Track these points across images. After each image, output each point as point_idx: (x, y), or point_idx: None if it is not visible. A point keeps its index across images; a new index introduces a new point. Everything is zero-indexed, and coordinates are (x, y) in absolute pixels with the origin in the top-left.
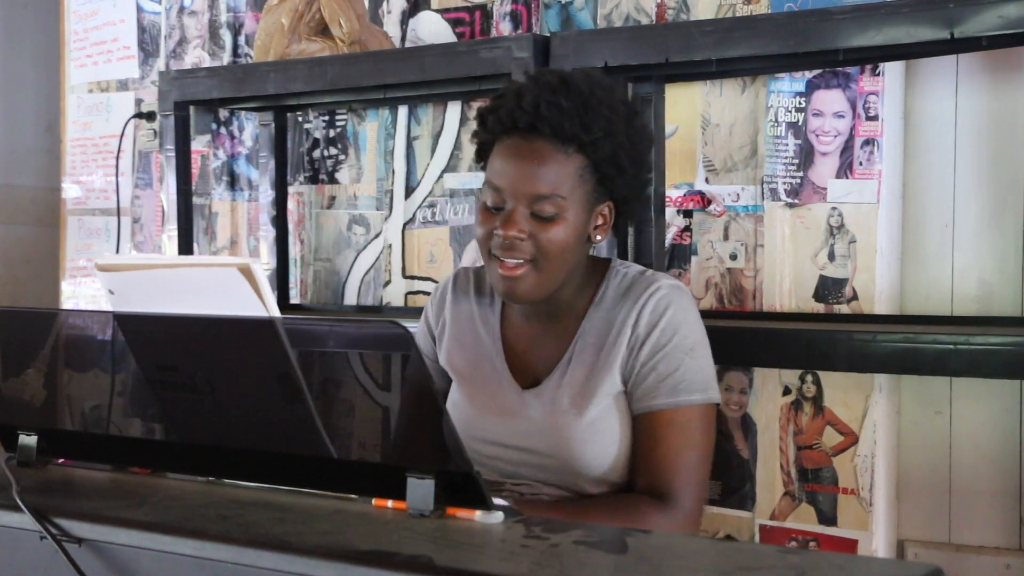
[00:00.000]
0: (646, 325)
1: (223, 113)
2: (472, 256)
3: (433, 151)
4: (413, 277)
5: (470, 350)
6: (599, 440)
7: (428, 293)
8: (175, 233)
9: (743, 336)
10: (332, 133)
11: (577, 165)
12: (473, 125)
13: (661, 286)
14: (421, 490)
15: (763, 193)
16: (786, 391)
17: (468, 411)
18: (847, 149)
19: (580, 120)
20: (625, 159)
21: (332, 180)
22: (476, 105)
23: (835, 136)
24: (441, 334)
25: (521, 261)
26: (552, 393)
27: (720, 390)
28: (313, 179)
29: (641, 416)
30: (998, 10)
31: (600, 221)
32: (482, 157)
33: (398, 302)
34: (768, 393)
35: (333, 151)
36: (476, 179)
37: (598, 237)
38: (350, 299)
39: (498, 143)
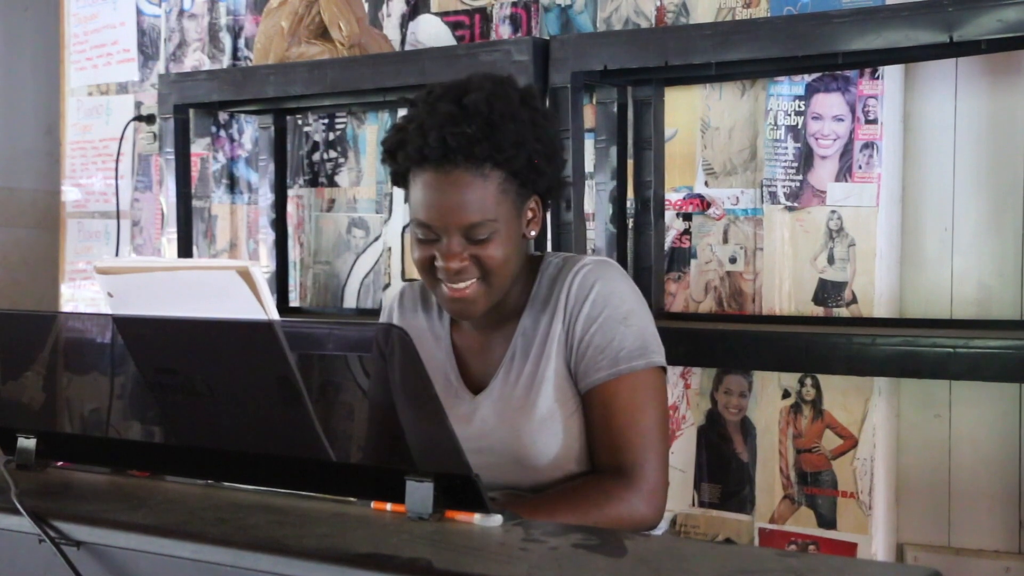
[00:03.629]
0: (576, 302)
1: (223, 116)
2: None
3: None
4: (413, 280)
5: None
6: (552, 430)
7: None
8: (174, 236)
9: (742, 339)
10: (332, 136)
11: (497, 182)
12: (382, 158)
13: (586, 263)
14: (420, 493)
15: (762, 196)
16: (785, 394)
17: None
18: (846, 152)
19: (489, 142)
20: (541, 159)
21: (332, 183)
22: None
23: (834, 139)
24: None
25: (470, 282)
26: (500, 391)
27: (720, 393)
28: (313, 182)
29: (588, 394)
30: (997, 14)
31: (530, 216)
32: (399, 182)
33: None
34: (767, 396)
35: (333, 154)
36: None
37: (532, 232)
38: (349, 302)
39: (413, 175)
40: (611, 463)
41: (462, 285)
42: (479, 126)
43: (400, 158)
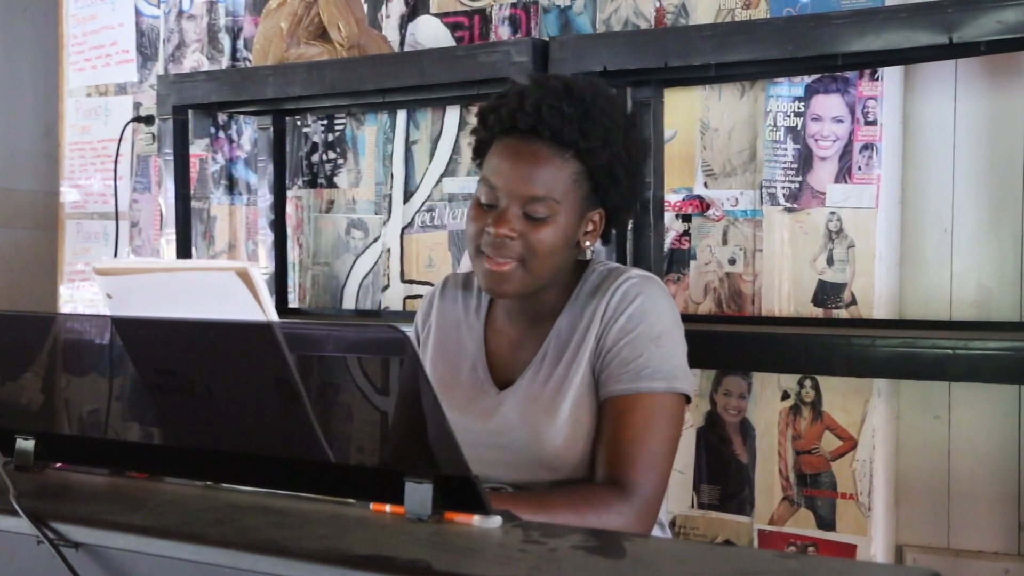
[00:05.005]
0: (613, 313)
1: (222, 117)
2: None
3: (432, 155)
4: (411, 281)
5: (452, 356)
6: (574, 435)
7: None
8: (173, 237)
9: (742, 341)
10: (331, 137)
11: (572, 171)
12: (473, 128)
13: (631, 276)
14: (419, 494)
15: (762, 198)
16: (785, 396)
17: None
18: (846, 154)
19: (580, 127)
20: (620, 169)
21: (331, 184)
22: (475, 109)
23: (834, 141)
24: (426, 340)
25: (510, 259)
26: (526, 390)
27: (719, 394)
28: (312, 183)
29: (604, 402)
30: (997, 15)
31: (590, 227)
32: (479, 154)
33: (396, 306)
34: (767, 398)
35: (332, 155)
36: (474, 183)
37: (587, 243)
38: (348, 303)
39: (497, 142)
40: (612, 475)
41: (501, 261)
42: (576, 110)
43: (491, 121)
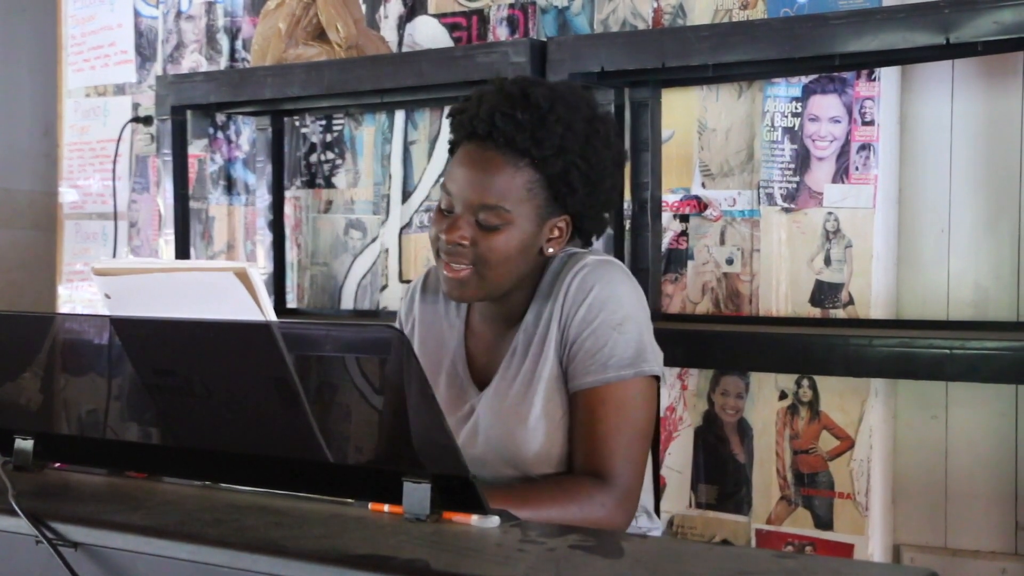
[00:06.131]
0: (573, 304)
1: (220, 117)
2: None
3: (430, 156)
4: (410, 281)
5: (434, 353)
6: (544, 431)
7: None
8: (172, 237)
9: (739, 341)
10: (329, 137)
11: (527, 179)
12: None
13: (586, 263)
14: (417, 494)
15: (759, 198)
16: (782, 396)
17: None
18: (843, 154)
19: (532, 135)
20: (577, 178)
21: (329, 184)
22: None
23: (831, 141)
24: (410, 335)
25: (464, 266)
26: (496, 388)
27: (716, 394)
28: (310, 183)
29: (575, 395)
30: (993, 16)
31: (555, 234)
32: (452, 152)
33: (395, 306)
34: (764, 398)
35: (330, 155)
36: None
37: (550, 250)
38: (347, 303)
39: (460, 147)
40: (591, 467)
41: (456, 268)
42: (531, 117)
43: (455, 125)
